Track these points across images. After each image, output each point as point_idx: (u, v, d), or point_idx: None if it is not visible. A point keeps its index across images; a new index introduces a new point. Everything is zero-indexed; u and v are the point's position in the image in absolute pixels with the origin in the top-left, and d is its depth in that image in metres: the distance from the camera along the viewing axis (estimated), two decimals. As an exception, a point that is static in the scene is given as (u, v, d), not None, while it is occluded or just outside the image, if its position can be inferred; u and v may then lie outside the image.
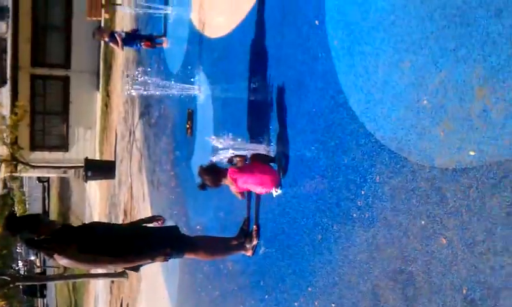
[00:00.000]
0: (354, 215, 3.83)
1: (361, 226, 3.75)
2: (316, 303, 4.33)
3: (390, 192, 3.46)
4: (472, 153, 2.83)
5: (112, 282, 16.22)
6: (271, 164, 5.09)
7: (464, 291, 2.83)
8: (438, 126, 3.08)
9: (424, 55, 3.21)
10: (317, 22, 4.42)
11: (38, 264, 38.29)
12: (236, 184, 4.78)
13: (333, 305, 4.09)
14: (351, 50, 3.95)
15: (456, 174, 2.93)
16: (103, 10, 15.83)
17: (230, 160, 4.94)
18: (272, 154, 5.17)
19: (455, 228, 2.91)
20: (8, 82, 18.18)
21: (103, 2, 15.85)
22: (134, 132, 13.64)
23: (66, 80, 19.39)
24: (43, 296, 40.74)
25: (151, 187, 11.16)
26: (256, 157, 5.02)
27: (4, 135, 17.33)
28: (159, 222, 5.35)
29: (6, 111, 17.84)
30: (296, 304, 4.68)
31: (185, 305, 8.28)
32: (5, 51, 18.62)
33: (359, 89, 3.85)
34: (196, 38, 8.21)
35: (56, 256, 4.35)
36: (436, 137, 3.09)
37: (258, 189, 4.95)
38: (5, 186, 26.62)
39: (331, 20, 4.26)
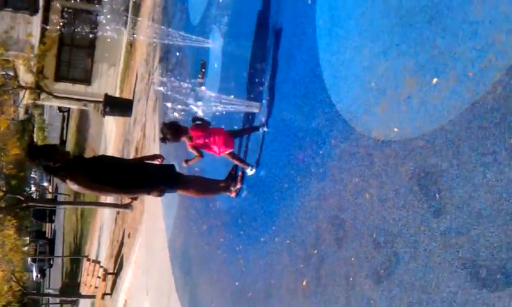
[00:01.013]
0: (313, 170, 4.64)
1: (316, 179, 4.56)
2: (276, 239, 5.19)
3: (339, 154, 4.25)
4: (395, 129, 3.59)
5: (118, 213, 17.32)
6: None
7: (374, 236, 3.64)
8: (379, 105, 3.83)
9: (379, 45, 3.94)
10: (309, 1, 5.12)
11: (50, 190, 39.99)
12: (193, 141, 5.61)
13: (287, 241, 4.94)
14: (330, 31, 4.68)
15: (383, 144, 3.70)
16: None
17: (194, 119, 5.74)
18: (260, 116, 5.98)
19: (376, 187, 3.70)
20: (40, 11, 18.84)
21: None
22: (153, 74, 14.43)
23: (95, 15, 20.01)
24: (51, 221, 42.51)
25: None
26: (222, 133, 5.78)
27: (31, 63, 18.10)
28: (159, 160, 6.17)
29: (36, 41, 18.60)
30: (262, 239, 5.55)
31: (178, 235, 9.24)
32: None
33: (331, 65, 4.59)
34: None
35: (68, 181, 5.21)
36: (375, 114, 3.85)
37: (214, 149, 5.74)
38: (26, 112, 27.70)
39: (320, 1, 4.97)
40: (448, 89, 3.17)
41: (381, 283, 3.54)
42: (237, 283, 6.06)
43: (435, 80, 3.28)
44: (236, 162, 6.17)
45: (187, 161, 6.23)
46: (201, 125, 5.79)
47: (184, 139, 5.73)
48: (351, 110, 4.18)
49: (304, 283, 4.53)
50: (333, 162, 4.32)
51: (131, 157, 15.61)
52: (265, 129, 5.80)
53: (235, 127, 6.46)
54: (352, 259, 3.89)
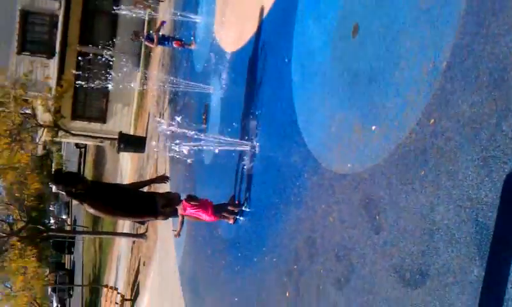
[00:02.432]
0: (292, 198, 5.58)
1: (294, 206, 5.50)
2: (266, 258, 6.10)
3: (310, 185, 5.20)
4: (349, 165, 4.53)
5: (134, 242, 18.29)
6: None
7: (336, 251, 4.55)
8: (337, 145, 4.78)
9: (336, 98, 4.91)
10: (286, 60, 6.14)
11: (69, 222, 41.15)
12: (184, 212, 6.77)
13: (274, 260, 5.86)
14: (302, 85, 5.68)
15: (340, 177, 4.64)
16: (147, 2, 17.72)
17: (188, 196, 6.81)
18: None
19: (337, 211, 4.63)
20: (56, 55, 20.11)
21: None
22: (163, 114, 15.55)
23: (109, 59, 21.22)
24: (70, 252, 43.49)
25: (172, 164, 13.06)
26: (210, 206, 6.92)
27: (49, 103, 19.30)
28: (166, 181, 7.07)
29: (53, 82, 19.82)
30: (255, 259, 6.46)
31: (188, 261, 10.17)
32: (56, 27, 20.45)
33: (303, 112, 5.57)
34: (215, 47, 10.02)
35: (85, 205, 6.17)
36: (335, 152, 4.80)
37: (202, 216, 6.90)
38: (45, 148, 28.82)
39: (295, 60, 5.98)
40: (382, 135, 4.12)
41: (342, 289, 4.43)
42: (236, 299, 6.95)
43: (374, 127, 4.24)
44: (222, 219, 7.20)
45: (177, 234, 7.22)
46: (194, 199, 6.81)
47: (178, 207, 6.76)
48: (318, 150, 5.13)
49: (287, 294, 5.42)
50: (306, 192, 5.26)
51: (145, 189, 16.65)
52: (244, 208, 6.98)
53: (223, 201, 7.43)
54: (321, 271, 4.79)
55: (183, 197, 6.96)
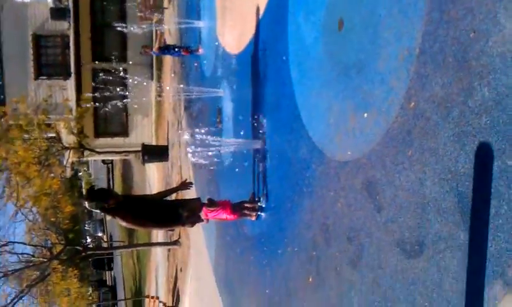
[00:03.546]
0: (304, 189, 5.92)
1: (307, 196, 5.84)
2: (288, 249, 6.46)
3: (318, 175, 5.53)
4: (349, 153, 4.85)
5: (169, 250, 18.84)
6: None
7: (347, 233, 4.88)
8: (337, 135, 5.10)
9: (331, 90, 5.23)
10: (284, 58, 6.46)
11: (105, 239, 42.16)
12: (207, 217, 7.13)
13: (296, 249, 6.21)
14: (300, 81, 6.00)
15: (344, 164, 4.96)
16: (153, 16, 18.14)
17: (208, 203, 7.15)
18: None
19: (343, 196, 4.95)
20: (72, 76, 20.53)
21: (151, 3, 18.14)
22: (180, 121, 16.00)
23: (124, 72, 21.59)
24: (110, 269, 44.44)
25: (195, 169, 13.50)
26: (229, 205, 7.28)
27: (72, 124, 19.82)
28: (189, 187, 7.44)
29: (72, 103, 20.29)
30: (279, 251, 6.82)
31: (220, 262, 10.60)
32: (68, 47, 20.63)
33: (305, 107, 5.90)
34: (220, 50, 10.38)
35: (118, 219, 6.61)
36: (336, 142, 5.12)
37: (223, 216, 7.26)
38: (73, 169, 29.62)
39: (292, 58, 6.30)
40: (373, 121, 4.43)
41: (356, 268, 4.76)
42: (267, 291, 7.33)
43: (365, 114, 4.54)
44: (244, 216, 7.56)
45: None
46: (212, 204, 7.16)
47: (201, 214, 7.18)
48: (322, 141, 5.46)
49: (310, 280, 5.77)
50: (315, 182, 5.60)
51: (173, 197, 17.17)
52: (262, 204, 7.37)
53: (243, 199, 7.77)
54: (337, 253, 5.12)
55: (205, 199, 7.37)
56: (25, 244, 23.88)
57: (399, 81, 4.00)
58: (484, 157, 3.05)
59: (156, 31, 19.02)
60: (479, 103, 3.09)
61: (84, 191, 38.56)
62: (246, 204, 7.47)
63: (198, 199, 7.55)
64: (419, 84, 3.70)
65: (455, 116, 3.28)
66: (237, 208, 7.37)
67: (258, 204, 7.39)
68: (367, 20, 4.57)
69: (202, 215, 7.18)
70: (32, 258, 22.06)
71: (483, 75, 3.05)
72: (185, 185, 7.45)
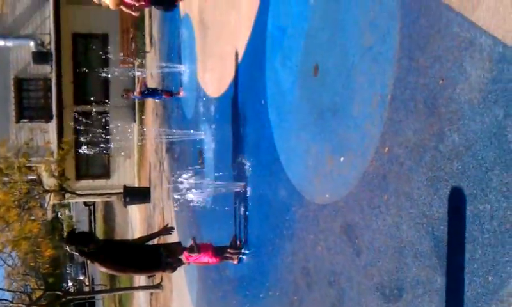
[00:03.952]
0: (285, 232, 5.90)
1: (287, 239, 5.82)
2: (270, 293, 6.39)
3: (298, 218, 5.53)
4: (327, 195, 4.87)
5: (152, 294, 18.49)
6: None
7: (328, 277, 4.85)
8: (316, 178, 5.13)
9: (309, 133, 5.28)
10: (263, 102, 6.53)
11: (87, 283, 41.25)
12: (188, 261, 7.09)
13: (277, 293, 6.14)
14: (279, 124, 6.06)
15: (322, 207, 4.98)
16: (133, 60, 18.29)
17: (189, 248, 7.06)
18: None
19: (323, 240, 4.95)
20: (54, 119, 20.45)
21: (133, 49, 18.34)
22: (162, 163, 15.97)
23: (105, 115, 21.57)
24: (92, 312, 43.43)
25: (176, 212, 13.41)
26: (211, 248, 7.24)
27: (53, 167, 19.64)
28: (171, 232, 7.34)
29: (54, 146, 20.16)
30: (261, 295, 6.74)
31: (202, 306, 10.42)
32: (50, 90, 20.61)
33: (284, 150, 5.94)
34: (201, 94, 10.47)
35: (96, 264, 6.48)
36: (315, 185, 5.15)
37: (204, 260, 7.22)
38: (54, 212, 29.19)
39: (270, 101, 6.37)
40: (350, 164, 4.47)
41: (337, 312, 4.72)
42: (248, 338, 7.21)
43: (342, 158, 4.59)
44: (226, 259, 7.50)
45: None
46: (192, 250, 7.06)
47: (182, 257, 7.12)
48: (301, 184, 5.48)
49: (292, 324, 5.70)
50: (295, 224, 5.59)
51: (155, 241, 16.97)
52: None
53: (225, 242, 7.70)
54: (318, 298, 5.08)
55: (187, 242, 7.29)
56: (3, 289, 23.28)
57: (373, 126, 4.06)
58: (457, 201, 3.09)
59: (137, 75, 19.14)
60: (450, 149, 3.15)
61: (65, 234, 37.96)
62: (229, 250, 7.41)
63: (179, 243, 7.47)
64: (392, 129, 3.76)
65: (427, 161, 3.34)
66: (219, 252, 7.31)
67: (241, 250, 7.34)
68: (341, 66, 4.67)
69: (183, 258, 7.10)
70: (11, 305, 21.50)
71: (453, 121, 3.12)
72: (167, 230, 7.38)
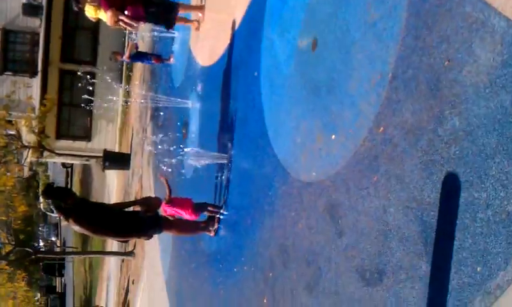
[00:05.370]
0: (265, 208, 5.78)
1: (268, 215, 5.70)
2: (245, 268, 6.28)
3: (281, 194, 5.40)
4: (314, 173, 4.75)
5: (123, 261, 18.34)
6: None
7: (306, 256, 4.75)
8: (302, 155, 5.00)
9: (300, 109, 5.14)
10: (256, 74, 6.36)
11: (58, 244, 40.94)
12: (166, 212, 6.96)
13: (252, 269, 6.04)
14: (270, 98, 5.90)
15: (307, 185, 4.86)
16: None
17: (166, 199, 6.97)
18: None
19: (305, 218, 4.84)
20: (39, 74, 20.02)
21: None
22: (146, 130, 15.71)
23: (92, 76, 21.18)
24: (61, 275, 43.15)
25: (156, 180, 13.21)
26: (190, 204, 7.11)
27: (33, 123, 19.23)
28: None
29: (36, 102, 19.76)
30: (235, 269, 6.64)
31: (173, 276, 10.31)
32: (37, 44, 20.18)
33: (272, 124, 5.79)
34: (191, 62, 10.23)
35: (70, 221, 6.27)
36: (301, 162, 5.02)
37: (183, 214, 7.07)
38: (31, 169, 28.77)
39: (263, 74, 6.20)
40: (340, 143, 4.35)
41: (312, 292, 4.63)
42: (219, 309, 7.12)
43: (333, 136, 4.46)
44: (209, 213, 7.34)
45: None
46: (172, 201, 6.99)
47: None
48: (287, 159, 5.35)
49: (265, 301, 5.60)
50: (277, 201, 5.47)
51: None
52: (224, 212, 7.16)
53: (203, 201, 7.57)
54: (294, 276, 4.99)
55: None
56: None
57: (369, 105, 3.93)
58: (451, 187, 2.98)
59: (128, 39, 18.72)
60: (449, 133, 3.03)
61: (40, 191, 37.44)
62: (209, 208, 7.24)
63: (157, 197, 7.28)
64: (389, 110, 3.64)
65: (423, 144, 3.22)
66: (198, 208, 7.13)
67: (221, 210, 7.18)
68: (341, 41, 4.52)
69: (161, 210, 6.92)
70: (-21, 257, 21.19)
71: (455, 104, 3.00)
72: (145, 200, 7.24)
